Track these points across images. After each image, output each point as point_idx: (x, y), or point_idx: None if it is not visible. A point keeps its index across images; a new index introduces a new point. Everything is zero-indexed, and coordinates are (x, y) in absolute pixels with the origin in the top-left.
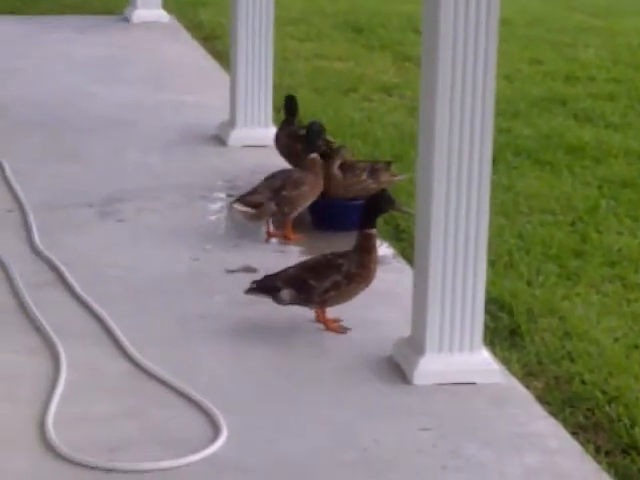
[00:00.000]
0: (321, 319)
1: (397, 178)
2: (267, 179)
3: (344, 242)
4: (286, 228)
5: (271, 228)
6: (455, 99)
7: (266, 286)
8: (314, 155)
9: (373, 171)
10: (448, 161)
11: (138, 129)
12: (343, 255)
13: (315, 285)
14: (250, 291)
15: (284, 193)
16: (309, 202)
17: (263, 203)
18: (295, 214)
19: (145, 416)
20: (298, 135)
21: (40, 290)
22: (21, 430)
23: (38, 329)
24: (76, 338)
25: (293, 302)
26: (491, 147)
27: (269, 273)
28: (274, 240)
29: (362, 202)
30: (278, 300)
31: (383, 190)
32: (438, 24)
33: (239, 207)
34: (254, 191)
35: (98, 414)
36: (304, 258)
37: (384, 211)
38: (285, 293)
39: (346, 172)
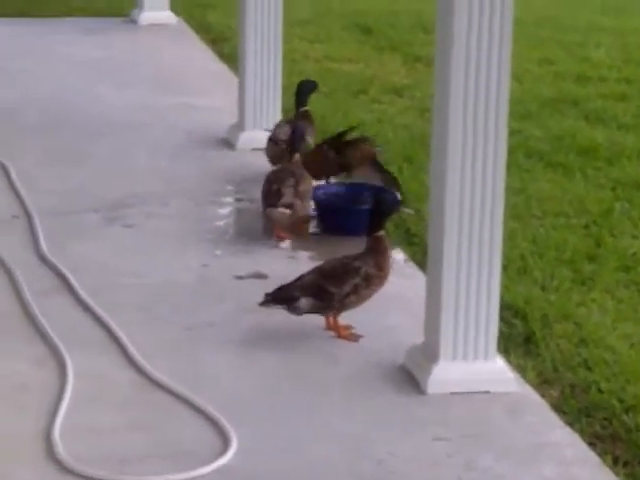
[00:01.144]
0: (333, 327)
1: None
2: (278, 180)
3: (354, 246)
4: (301, 225)
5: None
6: (469, 101)
7: (282, 297)
8: (297, 156)
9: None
10: (462, 165)
11: (145, 132)
12: (358, 258)
13: (335, 291)
14: (265, 303)
15: (300, 188)
16: None
17: (293, 203)
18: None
19: (153, 427)
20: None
21: (46, 297)
22: (27, 442)
23: (44, 338)
24: (83, 347)
25: (311, 311)
26: (505, 150)
27: (283, 283)
28: (284, 244)
29: (370, 207)
30: (294, 310)
31: (389, 192)
32: (452, 24)
33: (282, 210)
34: (279, 193)
35: (105, 426)
36: (315, 263)
37: (390, 214)
38: (303, 302)
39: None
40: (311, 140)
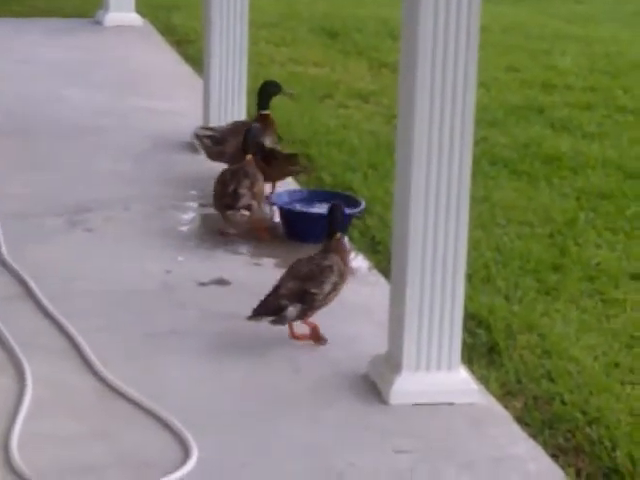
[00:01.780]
0: (296, 334)
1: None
2: (233, 180)
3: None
4: (261, 225)
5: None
6: (434, 109)
7: (271, 308)
8: (250, 157)
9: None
10: (427, 172)
11: (109, 136)
12: (324, 257)
13: (317, 292)
14: (255, 317)
15: (255, 189)
16: None
17: (251, 204)
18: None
19: (113, 437)
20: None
21: (6, 303)
22: None
23: (3, 344)
24: (43, 354)
25: (297, 317)
26: (471, 158)
27: (266, 295)
28: (246, 250)
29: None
30: (282, 320)
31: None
32: (417, 31)
33: (243, 212)
34: (238, 195)
35: (65, 434)
36: (280, 270)
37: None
38: (291, 310)
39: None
40: (269, 143)
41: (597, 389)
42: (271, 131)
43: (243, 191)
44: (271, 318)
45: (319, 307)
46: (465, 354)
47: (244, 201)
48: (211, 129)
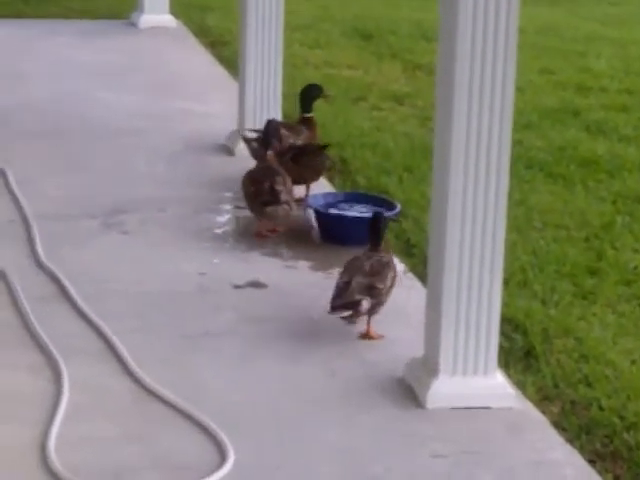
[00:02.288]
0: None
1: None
2: (267, 178)
3: (351, 255)
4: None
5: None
6: (472, 112)
7: (348, 302)
8: (270, 152)
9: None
10: (464, 176)
11: (144, 138)
12: (378, 254)
13: (382, 287)
14: (334, 312)
15: (288, 186)
16: None
17: (288, 200)
18: None
19: (150, 439)
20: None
21: (43, 305)
22: (21, 453)
23: (40, 346)
24: (79, 356)
25: (368, 312)
26: (508, 162)
27: (337, 290)
28: (281, 252)
29: (368, 217)
30: (357, 314)
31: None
32: (456, 32)
33: (285, 207)
34: (276, 191)
35: (101, 437)
36: (316, 273)
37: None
38: (365, 304)
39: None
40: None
41: (635, 394)
42: (313, 134)
43: (280, 187)
44: (348, 312)
45: (384, 302)
46: (502, 358)
47: (283, 197)
48: (257, 131)
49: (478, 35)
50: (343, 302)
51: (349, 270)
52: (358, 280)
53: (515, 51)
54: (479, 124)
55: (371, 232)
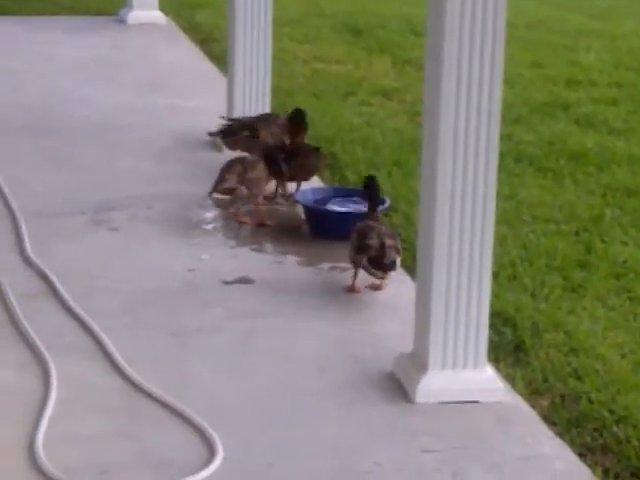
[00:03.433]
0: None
1: None
2: (228, 166)
3: (341, 250)
4: (258, 214)
5: (241, 215)
6: (460, 106)
7: (391, 261)
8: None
9: None
10: (453, 170)
11: (132, 134)
12: (378, 223)
13: (399, 248)
14: (388, 271)
15: (248, 175)
16: (267, 183)
17: (235, 188)
18: (262, 196)
19: (138, 436)
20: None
21: (31, 302)
22: (9, 450)
23: (28, 343)
24: (67, 353)
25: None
26: (497, 156)
27: (376, 253)
28: (269, 248)
29: (358, 212)
30: (391, 267)
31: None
32: (444, 26)
33: (217, 196)
34: (222, 179)
35: (89, 434)
36: (304, 269)
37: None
38: (399, 262)
39: None
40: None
41: (624, 387)
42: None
43: (228, 176)
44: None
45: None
46: (491, 352)
47: (226, 185)
48: (224, 118)
49: (465, 29)
50: (386, 262)
51: (370, 234)
52: (390, 242)
53: (503, 45)
54: (467, 118)
55: (369, 195)
